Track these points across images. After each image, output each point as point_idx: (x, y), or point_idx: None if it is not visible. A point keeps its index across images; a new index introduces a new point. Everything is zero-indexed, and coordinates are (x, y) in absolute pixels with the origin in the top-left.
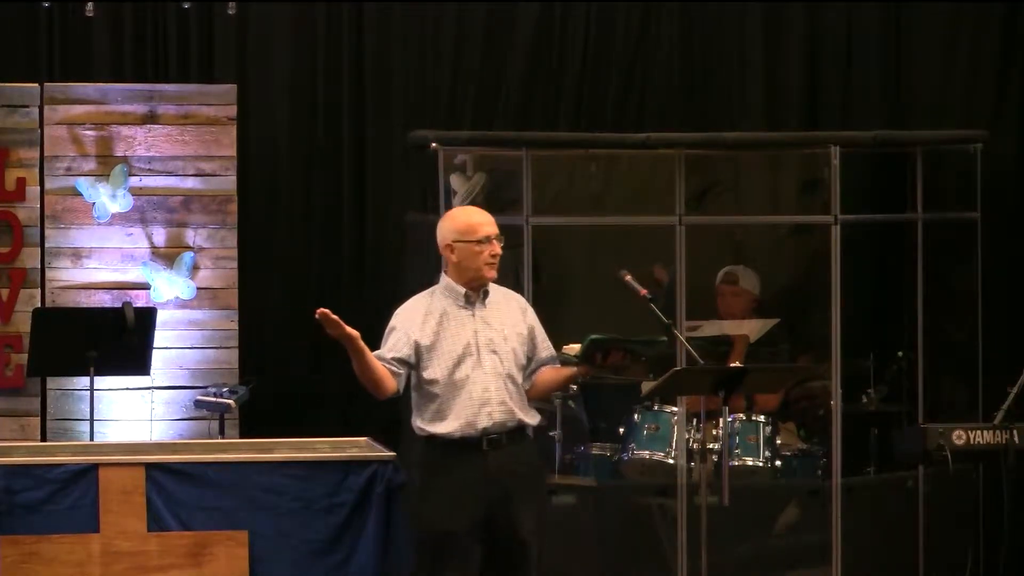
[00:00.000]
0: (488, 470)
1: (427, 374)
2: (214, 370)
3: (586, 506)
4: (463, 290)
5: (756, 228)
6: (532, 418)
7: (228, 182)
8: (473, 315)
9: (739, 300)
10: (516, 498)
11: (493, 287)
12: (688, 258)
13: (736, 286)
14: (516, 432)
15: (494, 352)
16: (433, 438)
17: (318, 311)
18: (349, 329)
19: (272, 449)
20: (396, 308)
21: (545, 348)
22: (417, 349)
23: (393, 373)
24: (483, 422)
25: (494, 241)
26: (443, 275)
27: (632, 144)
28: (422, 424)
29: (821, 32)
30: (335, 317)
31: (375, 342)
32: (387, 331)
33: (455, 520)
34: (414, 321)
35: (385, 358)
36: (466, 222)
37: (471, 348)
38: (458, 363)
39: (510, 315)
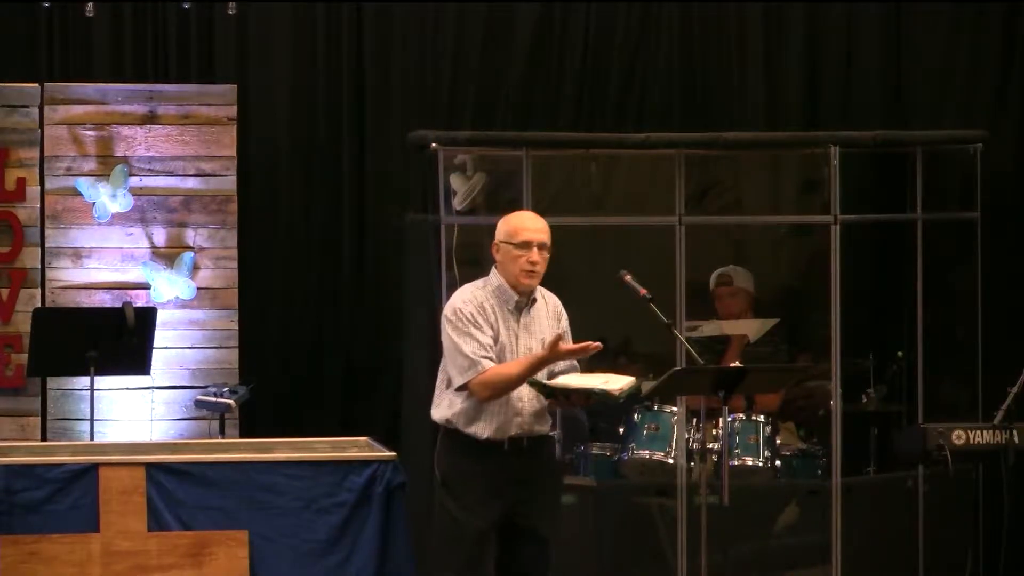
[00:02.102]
0: (511, 471)
1: None
2: (214, 370)
3: (586, 506)
4: (515, 296)
5: (756, 228)
6: (548, 427)
7: (228, 182)
8: (518, 321)
9: (737, 300)
10: (538, 498)
11: (538, 292)
12: (688, 258)
13: (732, 286)
14: (537, 437)
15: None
16: (457, 433)
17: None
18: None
19: (272, 449)
20: (395, 308)
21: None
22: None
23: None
24: (512, 430)
25: (535, 249)
26: (494, 272)
27: (632, 144)
28: (450, 417)
29: (821, 32)
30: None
31: (376, 343)
32: (466, 326)
33: (477, 517)
34: (485, 318)
35: (492, 358)
36: (512, 224)
37: (509, 355)
38: None
39: (548, 322)
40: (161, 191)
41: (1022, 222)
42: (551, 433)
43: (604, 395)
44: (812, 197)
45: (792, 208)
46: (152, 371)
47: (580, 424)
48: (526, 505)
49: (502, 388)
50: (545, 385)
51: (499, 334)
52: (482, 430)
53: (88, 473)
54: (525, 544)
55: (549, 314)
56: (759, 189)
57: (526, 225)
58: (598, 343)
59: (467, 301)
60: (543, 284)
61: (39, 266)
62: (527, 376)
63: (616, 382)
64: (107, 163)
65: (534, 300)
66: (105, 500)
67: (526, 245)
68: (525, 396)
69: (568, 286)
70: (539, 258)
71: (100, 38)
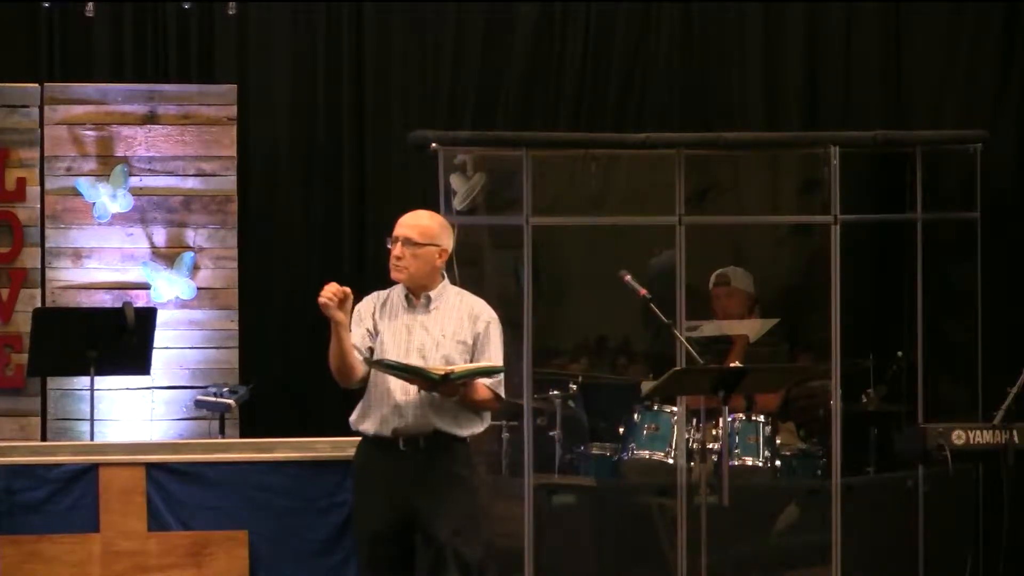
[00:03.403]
0: (406, 472)
1: None
2: (214, 370)
3: (586, 506)
4: (405, 291)
5: (756, 228)
6: (461, 428)
7: (228, 182)
8: (414, 317)
9: (734, 300)
10: (435, 501)
11: (448, 293)
12: (688, 258)
13: (729, 286)
14: (438, 437)
15: (423, 357)
16: (359, 433)
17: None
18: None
19: (272, 449)
20: None
21: (483, 361)
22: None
23: (364, 361)
24: (395, 423)
25: (398, 243)
26: None
27: (632, 144)
28: (353, 419)
29: (821, 32)
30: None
31: None
32: (353, 319)
33: (372, 516)
34: (369, 311)
35: (358, 347)
36: None
37: (400, 350)
38: None
39: (455, 321)
40: (161, 191)
41: (1022, 222)
42: (552, 431)
43: (421, 372)
44: (812, 197)
45: (792, 208)
46: (152, 371)
47: (580, 424)
48: (422, 508)
49: (335, 367)
50: (373, 362)
51: (377, 326)
52: (369, 426)
53: (88, 473)
54: (426, 548)
55: (460, 315)
56: (759, 189)
57: (399, 221)
58: (337, 290)
59: (368, 299)
60: (566, 286)
61: (39, 266)
62: (335, 346)
63: (459, 364)
64: (107, 163)
65: (429, 298)
66: (105, 500)
67: (393, 240)
68: (412, 391)
69: (568, 286)
70: (401, 253)
71: (100, 38)
